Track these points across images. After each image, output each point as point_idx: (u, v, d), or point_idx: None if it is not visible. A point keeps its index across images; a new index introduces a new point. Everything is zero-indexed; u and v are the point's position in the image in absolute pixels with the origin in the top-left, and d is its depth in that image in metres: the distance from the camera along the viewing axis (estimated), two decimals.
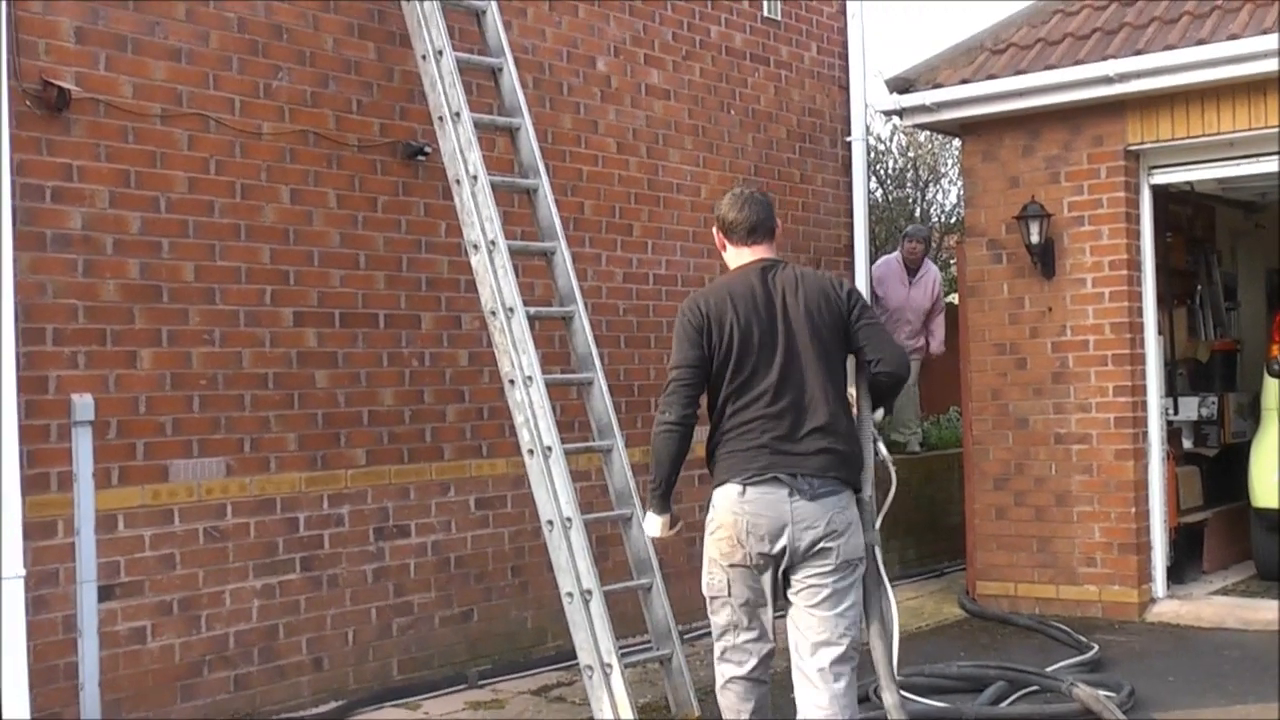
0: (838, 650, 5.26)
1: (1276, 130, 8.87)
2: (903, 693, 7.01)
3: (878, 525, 5.50)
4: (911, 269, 12.14)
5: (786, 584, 5.36)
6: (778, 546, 5.23)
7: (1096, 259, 9.54)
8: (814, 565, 5.25)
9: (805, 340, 5.34)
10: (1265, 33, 8.60)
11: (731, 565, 5.33)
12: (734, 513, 5.26)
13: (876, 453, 5.55)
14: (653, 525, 5.67)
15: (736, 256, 5.56)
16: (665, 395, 5.41)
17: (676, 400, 5.35)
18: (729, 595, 5.37)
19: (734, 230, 5.53)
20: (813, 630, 5.28)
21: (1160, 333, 9.87)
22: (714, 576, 5.40)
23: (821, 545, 5.23)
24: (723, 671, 5.47)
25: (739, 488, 5.25)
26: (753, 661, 5.41)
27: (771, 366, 5.32)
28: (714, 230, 5.67)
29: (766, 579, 5.32)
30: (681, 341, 5.38)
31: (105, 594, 6.54)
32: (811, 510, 5.22)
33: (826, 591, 5.26)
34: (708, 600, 5.48)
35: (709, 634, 6.14)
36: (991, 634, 9.12)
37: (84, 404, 6.49)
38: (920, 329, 12.21)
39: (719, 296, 5.41)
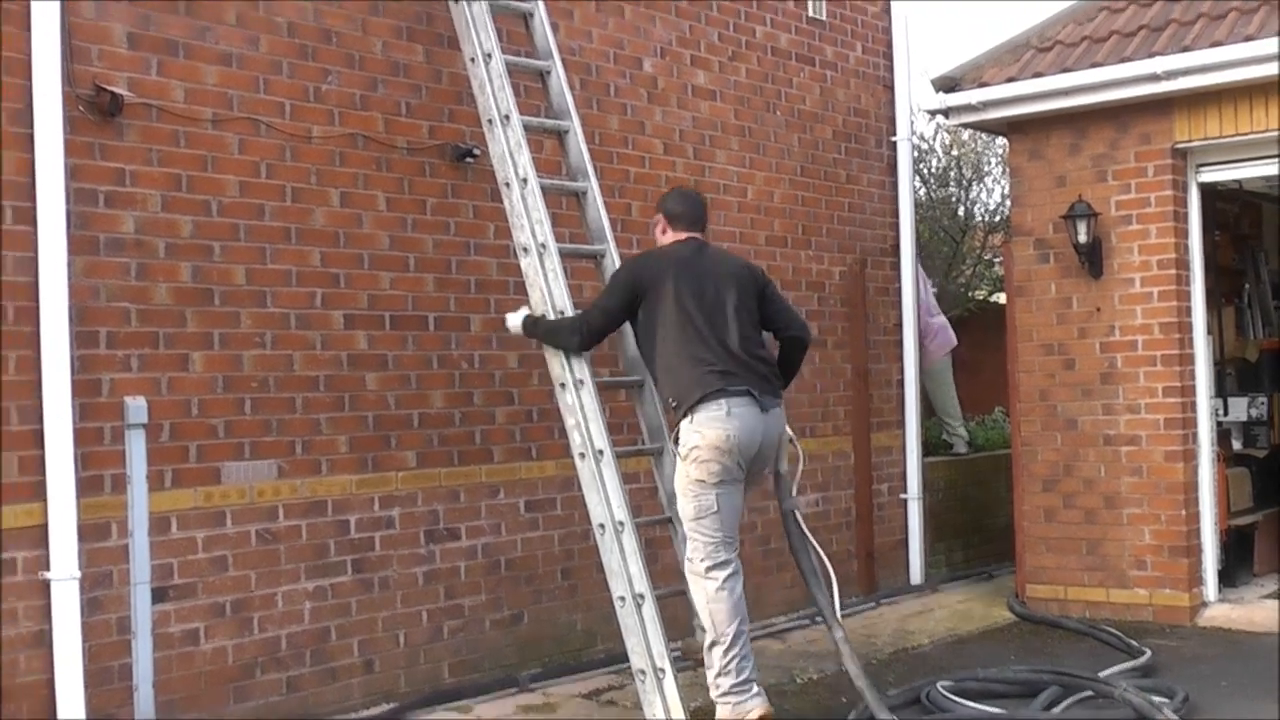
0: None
1: None
2: (956, 698, 7.04)
3: (794, 493, 6.84)
4: None
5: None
6: (756, 451, 6.44)
7: (1144, 258, 9.48)
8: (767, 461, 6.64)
9: (732, 294, 6.60)
10: None
11: (719, 483, 6.37)
12: (725, 430, 6.33)
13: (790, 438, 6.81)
14: (514, 322, 7.13)
15: (673, 239, 6.87)
16: (584, 320, 6.80)
17: (591, 331, 6.81)
18: (717, 509, 6.39)
19: (677, 220, 6.88)
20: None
21: (1209, 332, 9.79)
22: (703, 498, 6.40)
23: (778, 441, 6.64)
24: (715, 575, 6.40)
25: (723, 406, 6.34)
26: (731, 556, 6.47)
27: (712, 312, 6.51)
28: (658, 218, 6.95)
29: (741, 489, 6.50)
30: (614, 289, 6.75)
31: (159, 596, 6.57)
32: (771, 419, 6.54)
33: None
34: (693, 521, 6.43)
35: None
36: (1042, 638, 9.06)
37: (137, 406, 6.52)
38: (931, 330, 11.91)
39: (659, 261, 6.70)
